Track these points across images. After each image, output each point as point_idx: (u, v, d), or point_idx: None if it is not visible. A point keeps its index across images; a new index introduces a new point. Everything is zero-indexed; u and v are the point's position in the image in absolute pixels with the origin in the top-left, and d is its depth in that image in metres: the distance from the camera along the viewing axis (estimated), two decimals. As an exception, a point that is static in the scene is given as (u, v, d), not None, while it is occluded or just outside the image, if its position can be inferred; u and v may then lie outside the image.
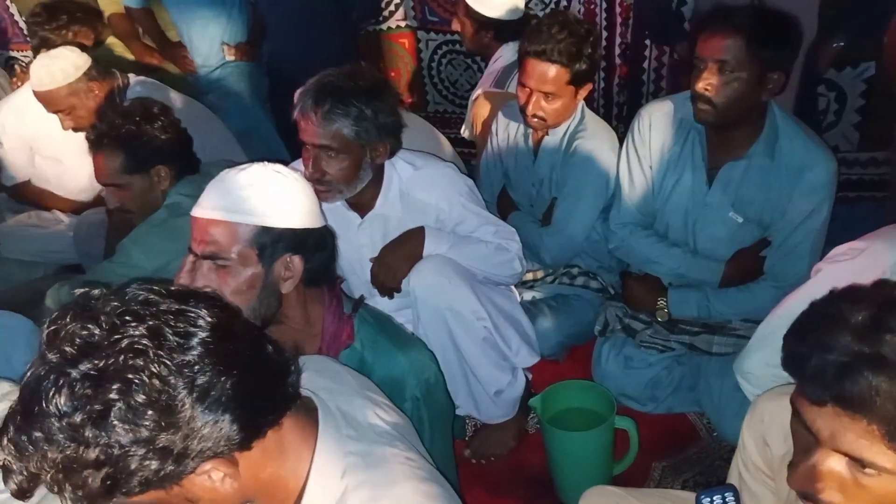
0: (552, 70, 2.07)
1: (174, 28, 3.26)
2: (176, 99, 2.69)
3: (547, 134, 2.26)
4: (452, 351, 1.84)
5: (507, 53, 2.66)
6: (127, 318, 0.78)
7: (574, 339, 2.34)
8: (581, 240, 2.26)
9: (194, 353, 0.79)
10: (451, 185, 1.90)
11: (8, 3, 3.83)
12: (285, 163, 1.49)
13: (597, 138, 2.21)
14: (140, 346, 0.77)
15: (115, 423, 0.75)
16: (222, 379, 0.80)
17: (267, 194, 1.31)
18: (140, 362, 0.76)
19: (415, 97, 3.62)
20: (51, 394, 0.74)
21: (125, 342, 0.76)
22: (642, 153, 2.06)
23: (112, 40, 3.43)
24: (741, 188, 1.93)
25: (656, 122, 2.03)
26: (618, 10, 2.97)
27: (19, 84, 3.17)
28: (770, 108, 1.90)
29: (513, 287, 2.12)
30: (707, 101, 1.81)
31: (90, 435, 0.74)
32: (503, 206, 2.42)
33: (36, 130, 2.79)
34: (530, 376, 2.10)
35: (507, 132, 2.40)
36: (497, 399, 1.95)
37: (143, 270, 1.93)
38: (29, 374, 0.78)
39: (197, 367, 0.79)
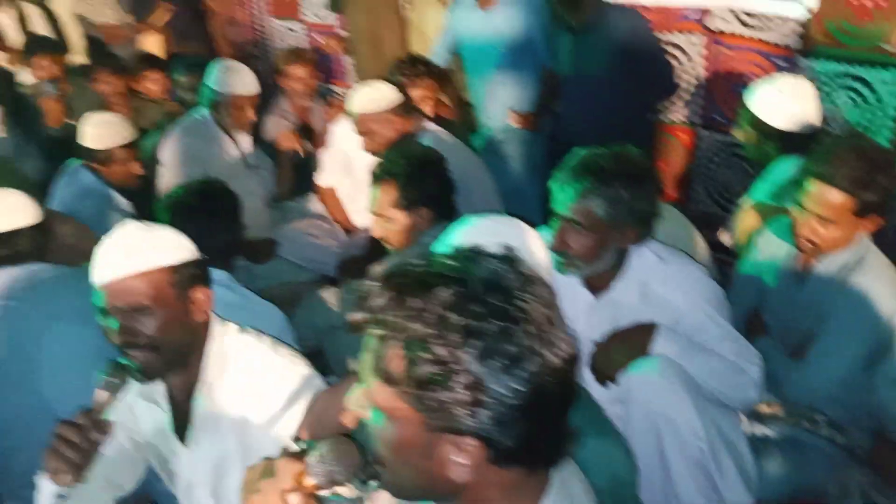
0: (835, 196, 1.86)
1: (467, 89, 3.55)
2: (457, 150, 2.88)
3: (818, 260, 2.06)
4: (657, 462, 1.72)
5: (789, 167, 2.48)
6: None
7: (799, 494, 2.06)
8: (834, 385, 2.00)
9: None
10: (697, 287, 1.80)
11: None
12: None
13: (879, 278, 1.96)
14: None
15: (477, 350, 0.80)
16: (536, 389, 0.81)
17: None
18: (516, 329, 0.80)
19: (679, 192, 3.53)
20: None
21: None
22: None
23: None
24: None
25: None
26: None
27: (334, 112, 3.66)
28: None
29: (741, 415, 1.93)
30: None
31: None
32: (752, 327, 2.23)
33: (357, 150, 3.12)
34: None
35: (773, 249, 2.23)
36: (692, 531, 1.77)
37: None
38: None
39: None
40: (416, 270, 0.86)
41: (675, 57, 3.27)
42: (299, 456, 1.01)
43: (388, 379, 0.84)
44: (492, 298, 0.81)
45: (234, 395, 1.51)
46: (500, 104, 3.38)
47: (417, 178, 2.19)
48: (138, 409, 1.62)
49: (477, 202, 2.68)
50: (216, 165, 3.10)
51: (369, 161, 2.89)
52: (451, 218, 2.26)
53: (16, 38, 4.79)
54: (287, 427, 1.47)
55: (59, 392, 1.89)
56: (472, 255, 0.88)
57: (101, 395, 1.35)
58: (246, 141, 3.31)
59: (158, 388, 1.58)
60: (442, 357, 0.80)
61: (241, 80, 3.15)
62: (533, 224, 1.60)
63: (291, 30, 4.99)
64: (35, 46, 4.16)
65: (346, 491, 1.01)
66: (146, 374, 1.45)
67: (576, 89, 3.18)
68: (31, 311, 1.96)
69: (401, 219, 2.22)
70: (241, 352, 1.54)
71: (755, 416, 2.12)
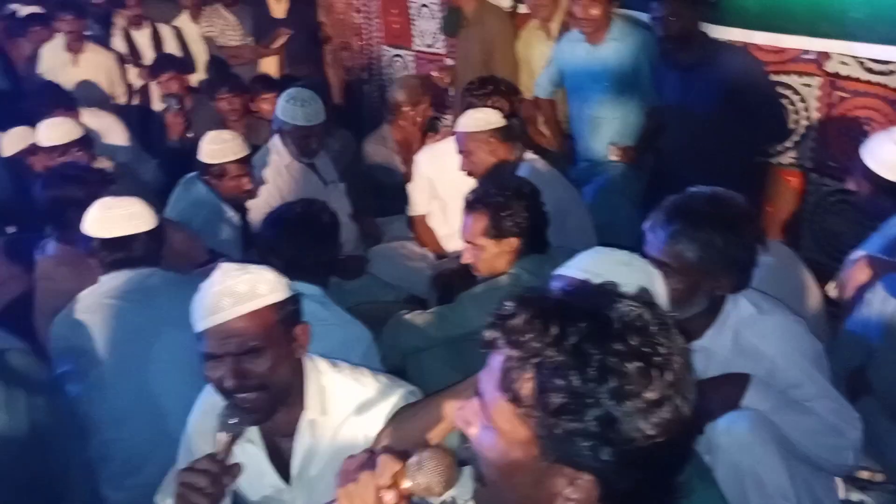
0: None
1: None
2: (553, 182, 2.88)
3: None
4: (741, 520, 1.65)
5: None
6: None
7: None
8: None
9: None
10: (796, 341, 1.73)
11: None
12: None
13: None
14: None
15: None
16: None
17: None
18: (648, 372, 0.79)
19: (787, 238, 3.38)
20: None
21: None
22: None
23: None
24: None
25: None
26: None
27: (438, 139, 3.75)
28: None
29: (837, 480, 1.82)
30: None
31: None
32: (855, 387, 2.11)
33: (440, 173, 3.26)
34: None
35: (883, 306, 2.10)
36: None
37: (469, 325, 2.10)
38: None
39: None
40: (556, 298, 0.87)
41: (787, 98, 3.16)
42: (401, 456, 1.01)
43: (514, 399, 0.83)
44: (632, 339, 0.80)
45: (337, 431, 1.51)
46: (602, 137, 3.37)
47: (509, 208, 2.21)
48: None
49: (571, 235, 2.67)
50: (293, 186, 3.25)
51: (455, 184, 2.98)
52: (542, 250, 2.27)
53: (149, 55, 5.16)
54: None
55: (164, 390, 2.03)
56: (609, 292, 0.87)
57: (222, 437, 1.33)
58: (323, 162, 3.44)
59: (251, 428, 1.54)
60: (576, 388, 0.79)
61: (305, 112, 3.24)
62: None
63: (400, 56, 5.15)
64: (163, 65, 4.46)
65: (436, 502, 1.01)
66: (258, 416, 1.44)
67: (680, 127, 3.12)
68: (142, 312, 2.09)
69: (490, 247, 2.25)
70: (340, 387, 1.54)
71: (853, 482, 2.00)
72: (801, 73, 3.11)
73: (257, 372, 1.41)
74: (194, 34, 5.54)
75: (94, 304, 2.12)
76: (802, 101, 3.13)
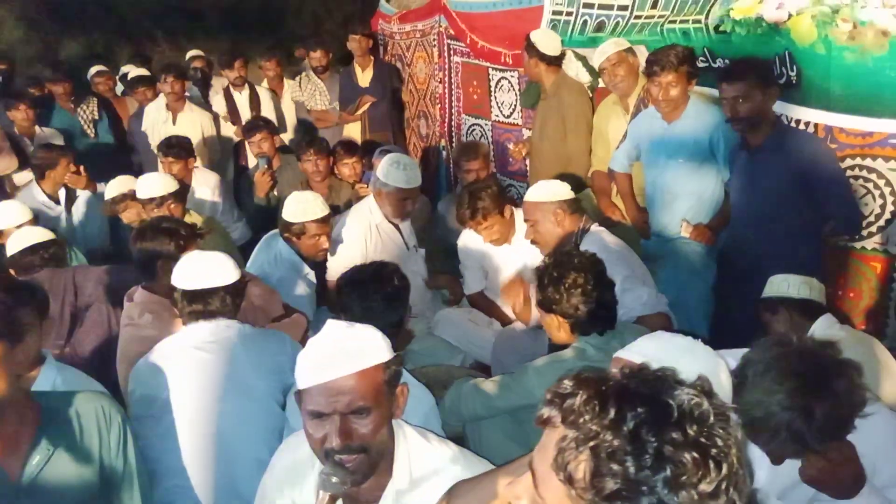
0: None
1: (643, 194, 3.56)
2: (624, 255, 2.89)
3: None
4: None
5: None
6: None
7: None
8: None
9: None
10: (891, 438, 1.66)
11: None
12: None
13: None
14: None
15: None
16: None
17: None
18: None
19: (871, 325, 3.24)
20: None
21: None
22: None
23: (586, 192, 3.91)
24: None
25: None
26: None
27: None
28: None
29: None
30: None
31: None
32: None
33: (487, 252, 3.40)
34: None
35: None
36: None
37: (531, 397, 2.09)
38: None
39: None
40: (615, 380, 0.86)
41: (871, 182, 3.08)
42: None
43: (567, 479, 0.83)
44: (690, 428, 0.79)
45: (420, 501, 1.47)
46: (675, 213, 3.35)
47: (563, 284, 2.20)
48: None
49: (640, 308, 2.65)
50: (378, 245, 3.37)
51: (504, 256, 3.05)
52: (609, 325, 2.25)
53: (246, 115, 5.48)
54: None
55: (234, 440, 2.09)
56: (667, 379, 0.86)
57: (324, 498, 1.33)
58: (406, 226, 3.54)
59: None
60: (631, 475, 0.78)
61: (406, 176, 3.37)
62: (695, 338, 1.55)
63: (478, 125, 5.28)
64: (256, 125, 4.73)
65: None
66: (357, 478, 1.39)
67: (749, 207, 3.09)
68: (217, 363, 2.17)
69: (549, 320, 2.27)
70: (427, 457, 1.51)
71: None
72: (887, 158, 3.04)
73: (361, 433, 1.37)
74: (286, 97, 5.87)
75: (173, 352, 2.22)
76: (888, 184, 3.05)
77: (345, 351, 1.38)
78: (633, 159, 3.60)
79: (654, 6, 3.68)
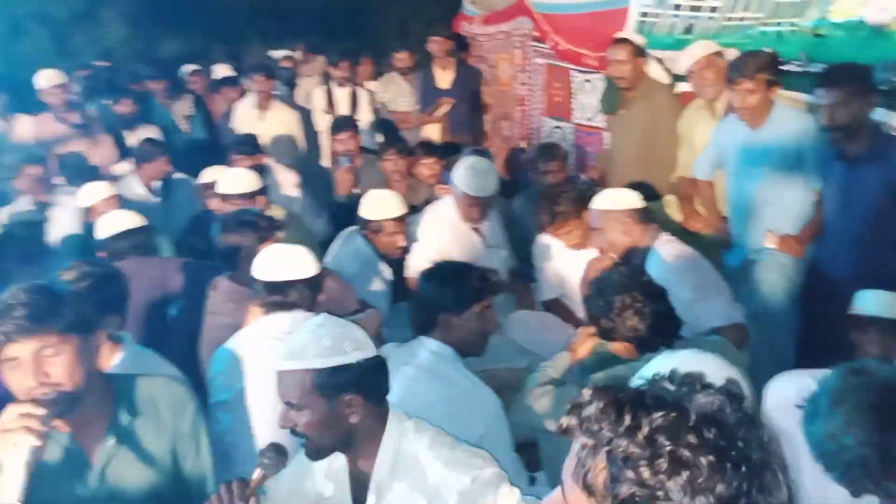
0: None
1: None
2: (695, 264, 2.79)
3: None
4: None
5: None
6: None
7: None
8: None
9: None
10: None
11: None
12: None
13: None
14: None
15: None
16: None
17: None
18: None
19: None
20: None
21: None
22: None
23: (669, 198, 3.81)
24: None
25: None
26: None
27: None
28: None
29: None
30: None
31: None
32: None
33: (566, 258, 3.32)
34: None
35: None
36: None
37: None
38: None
39: None
40: (635, 388, 0.87)
41: None
42: None
43: (587, 488, 0.84)
44: (707, 431, 0.79)
45: (404, 497, 1.56)
46: (760, 224, 3.22)
47: (622, 300, 2.15)
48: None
49: (711, 321, 2.57)
50: (455, 245, 3.36)
51: (585, 259, 3.04)
52: (668, 344, 2.17)
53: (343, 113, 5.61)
54: None
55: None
56: (692, 383, 0.87)
57: (257, 473, 1.50)
58: (486, 226, 3.53)
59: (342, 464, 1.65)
60: (646, 480, 0.79)
61: (476, 183, 3.36)
62: (783, 356, 1.49)
63: (559, 128, 5.24)
64: (342, 124, 4.83)
65: None
66: (309, 453, 1.61)
67: (842, 220, 2.94)
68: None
69: (611, 348, 2.23)
70: (416, 454, 1.58)
71: None
72: None
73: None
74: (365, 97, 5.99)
75: (252, 341, 2.29)
76: None
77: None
78: (716, 167, 3.48)
79: (746, 8, 3.56)
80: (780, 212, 3.20)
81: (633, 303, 2.12)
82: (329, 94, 5.82)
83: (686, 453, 0.78)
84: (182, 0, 7.35)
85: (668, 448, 0.79)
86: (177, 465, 1.75)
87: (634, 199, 2.86)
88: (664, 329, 2.17)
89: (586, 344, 2.29)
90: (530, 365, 3.17)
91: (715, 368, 1.31)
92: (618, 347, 2.22)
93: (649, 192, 3.42)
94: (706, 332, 2.55)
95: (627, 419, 0.82)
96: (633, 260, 2.76)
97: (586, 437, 0.85)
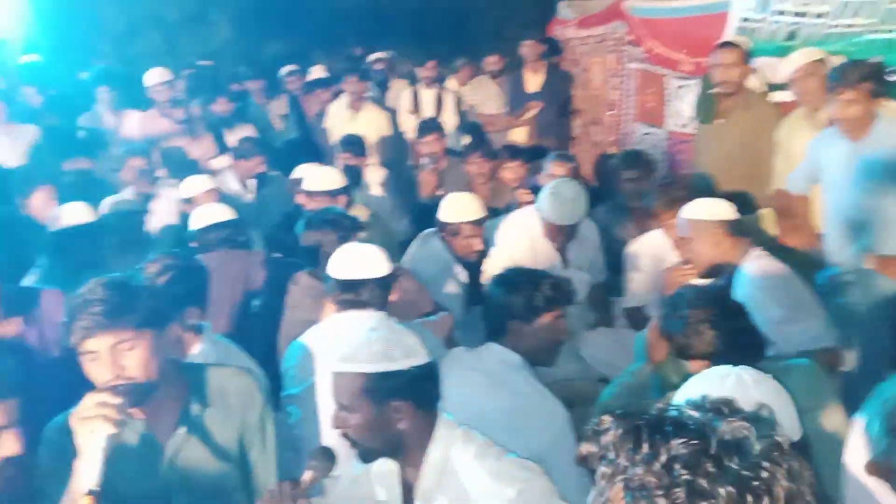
0: None
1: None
2: (786, 282, 2.65)
3: None
4: None
5: None
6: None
7: None
8: None
9: None
10: None
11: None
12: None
13: None
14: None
15: None
16: None
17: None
18: None
19: None
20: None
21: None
22: None
23: (765, 210, 3.63)
24: None
25: None
26: None
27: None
28: None
29: None
30: None
31: None
32: None
33: (666, 259, 3.20)
34: None
35: None
36: None
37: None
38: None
39: None
40: (657, 414, 0.85)
41: None
42: None
43: None
44: (728, 460, 0.77)
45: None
46: (858, 244, 3.02)
47: (685, 331, 2.04)
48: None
49: (802, 343, 2.43)
50: (532, 257, 3.30)
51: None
52: (748, 362, 2.05)
53: (428, 114, 5.68)
54: None
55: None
56: (719, 409, 0.83)
57: (307, 475, 1.50)
58: (569, 246, 3.46)
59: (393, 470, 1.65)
60: None
61: (561, 212, 3.29)
62: (878, 378, 1.39)
63: (650, 134, 5.10)
64: (428, 127, 4.87)
65: None
66: (359, 454, 1.61)
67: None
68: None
69: (692, 369, 2.11)
70: (462, 463, 1.57)
71: None
72: None
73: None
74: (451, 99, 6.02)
75: (324, 337, 2.34)
76: None
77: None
78: (812, 181, 3.30)
79: (856, 14, 3.35)
80: (881, 230, 3.00)
81: (709, 315, 2.03)
82: (415, 95, 5.88)
83: (704, 483, 0.75)
84: (286, 3, 7.60)
85: (685, 478, 0.76)
86: (243, 456, 1.79)
87: (728, 210, 2.74)
88: (744, 347, 2.06)
89: (661, 346, 2.21)
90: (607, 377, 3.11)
91: (751, 393, 1.23)
92: (695, 366, 2.13)
93: (746, 204, 3.28)
94: (795, 354, 2.41)
95: (645, 447, 0.80)
96: (719, 277, 2.65)
97: (604, 465, 0.84)
